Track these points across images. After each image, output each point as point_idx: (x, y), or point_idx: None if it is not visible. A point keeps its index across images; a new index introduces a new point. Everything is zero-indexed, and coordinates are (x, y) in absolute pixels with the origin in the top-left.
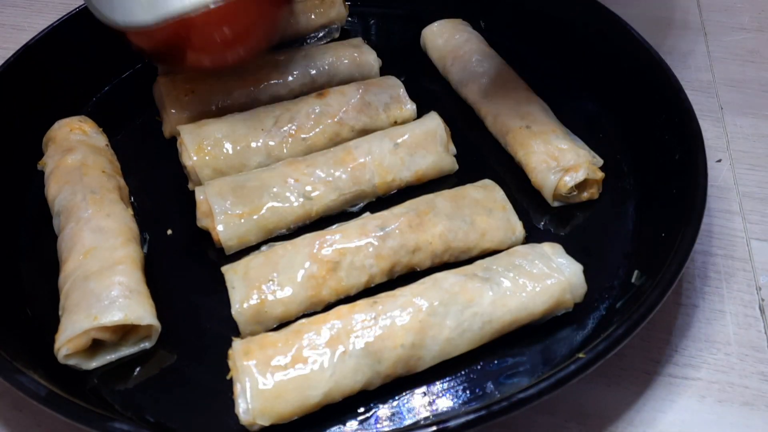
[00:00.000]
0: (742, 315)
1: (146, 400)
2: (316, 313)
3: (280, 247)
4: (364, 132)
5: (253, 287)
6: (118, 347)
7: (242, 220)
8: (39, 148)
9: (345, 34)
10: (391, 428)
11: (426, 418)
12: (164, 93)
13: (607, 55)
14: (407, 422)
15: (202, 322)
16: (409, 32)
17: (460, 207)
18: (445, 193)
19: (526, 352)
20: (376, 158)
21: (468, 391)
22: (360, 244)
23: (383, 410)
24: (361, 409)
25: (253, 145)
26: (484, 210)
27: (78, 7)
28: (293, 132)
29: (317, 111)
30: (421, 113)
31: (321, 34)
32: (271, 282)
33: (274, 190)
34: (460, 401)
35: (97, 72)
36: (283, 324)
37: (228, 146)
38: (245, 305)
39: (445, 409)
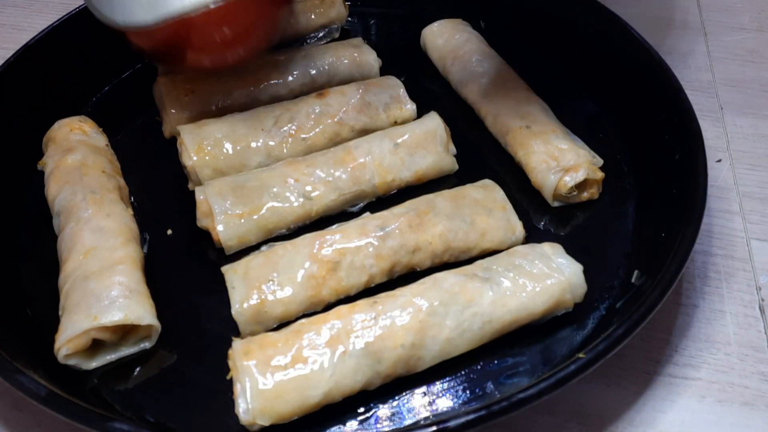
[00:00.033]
0: (742, 315)
1: (146, 400)
2: (316, 313)
3: (280, 247)
4: (364, 132)
5: (253, 287)
6: (118, 347)
7: (242, 220)
8: (39, 148)
9: (345, 34)
10: (391, 428)
11: (426, 418)
12: (164, 93)
13: (607, 55)
14: (407, 422)
15: (202, 322)
16: (409, 32)
17: (460, 207)
18: (445, 193)
19: (526, 352)
20: (376, 158)
21: (468, 391)
22: (360, 244)
23: (383, 410)
24: (361, 409)
25: (253, 145)
26: (484, 210)
27: (78, 7)
28: (293, 132)
29: (317, 111)
30: (421, 113)
31: (321, 34)
32: (271, 282)
33: (274, 190)
34: (460, 401)
35: (97, 72)
36: (283, 324)
37: (228, 146)
38: (245, 305)
39: (445, 409)
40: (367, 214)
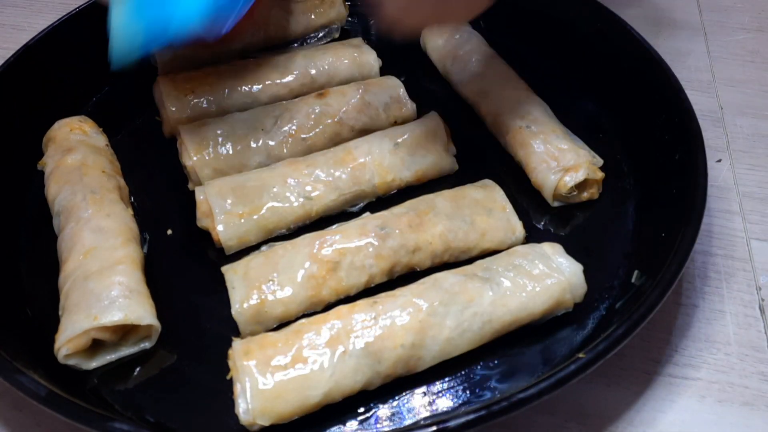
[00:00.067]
0: (742, 315)
1: (146, 400)
2: (316, 313)
3: (280, 247)
4: (364, 132)
5: (253, 287)
6: (118, 347)
7: (242, 220)
8: (39, 148)
9: (345, 34)
10: (391, 428)
11: (426, 418)
12: (164, 93)
13: (607, 55)
14: (407, 422)
15: (202, 322)
16: None
17: (460, 207)
18: (445, 193)
19: (526, 352)
20: (376, 158)
21: (468, 391)
22: (360, 244)
23: (383, 410)
24: (361, 409)
25: (253, 145)
26: (484, 210)
27: (78, 7)
28: (293, 132)
29: (317, 111)
30: (421, 113)
31: (321, 34)
32: (271, 282)
33: (274, 190)
34: (460, 401)
35: (97, 72)
36: (283, 324)
37: (228, 146)
38: (245, 305)
39: (445, 409)
40: (367, 214)
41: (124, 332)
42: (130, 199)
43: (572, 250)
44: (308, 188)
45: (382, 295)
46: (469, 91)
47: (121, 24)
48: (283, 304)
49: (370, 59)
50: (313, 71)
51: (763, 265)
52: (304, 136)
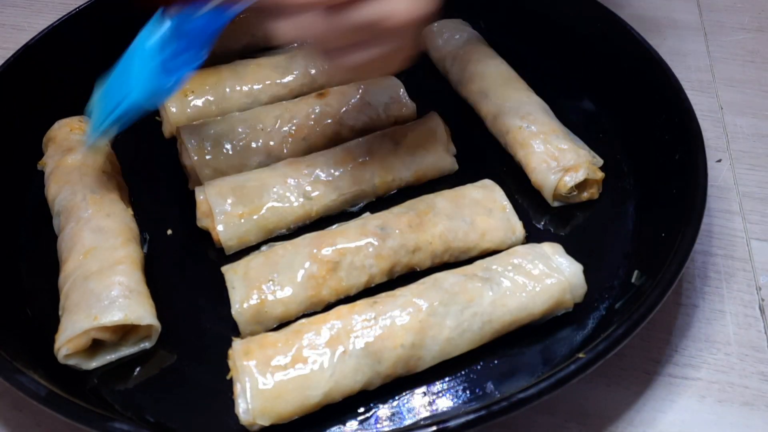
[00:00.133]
0: (742, 315)
1: (146, 400)
2: (316, 313)
3: (280, 247)
4: (364, 132)
5: (253, 287)
6: (118, 347)
7: (242, 220)
8: (39, 148)
9: None
10: (391, 428)
11: (426, 418)
12: None
13: (607, 55)
14: (407, 422)
15: (202, 322)
16: None
17: (460, 207)
18: (445, 193)
19: (526, 352)
20: (376, 158)
21: (468, 391)
22: (360, 244)
23: (383, 410)
24: (361, 409)
25: (253, 145)
26: (484, 210)
27: (78, 7)
28: (293, 132)
29: (317, 111)
30: (421, 113)
31: None
32: (271, 282)
33: (274, 190)
34: (460, 401)
35: (97, 72)
36: (283, 324)
37: (228, 146)
38: (245, 305)
39: (445, 409)
40: (367, 214)
41: (124, 332)
42: (130, 199)
43: (572, 250)
44: (308, 188)
45: (382, 295)
46: (469, 91)
47: (92, 110)
48: (283, 304)
49: None
50: (313, 71)
51: (763, 265)
52: (304, 136)
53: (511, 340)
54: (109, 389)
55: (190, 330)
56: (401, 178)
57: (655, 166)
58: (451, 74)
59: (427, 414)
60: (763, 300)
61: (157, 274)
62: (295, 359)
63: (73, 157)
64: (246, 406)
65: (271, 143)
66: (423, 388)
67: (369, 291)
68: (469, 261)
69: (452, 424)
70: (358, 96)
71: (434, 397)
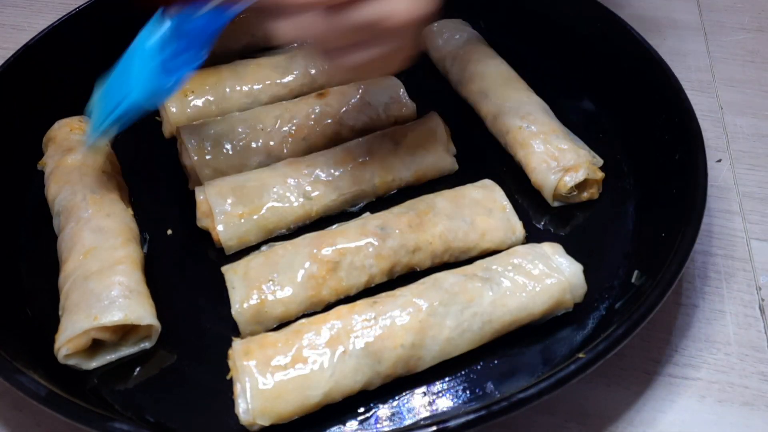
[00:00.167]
0: (742, 315)
1: (146, 400)
2: (316, 313)
3: (280, 247)
4: (364, 132)
5: (253, 287)
6: (118, 347)
7: (242, 220)
8: (39, 148)
9: None
10: (391, 428)
11: (426, 418)
12: None
13: (607, 55)
14: (407, 422)
15: (202, 322)
16: None
17: (460, 207)
18: (445, 193)
19: (526, 352)
20: (376, 158)
21: (468, 391)
22: (360, 244)
23: (383, 410)
24: (361, 409)
25: (253, 145)
26: (484, 210)
27: (78, 7)
28: (293, 132)
29: (317, 111)
30: (421, 113)
31: None
32: (271, 282)
33: (274, 190)
34: (460, 401)
35: (97, 72)
36: (283, 324)
37: (228, 146)
38: (245, 305)
39: (445, 409)
40: (367, 214)
41: (124, 332)
42: (130, 199)
43: (572, 250)
44: (308, 188)
45: (382, 295)
46: (469, 91)
47: (92, 110)
48: (283, 304)
49: None
50: (313, 71)
51: (763, 265)
52: (304, 136)
53: (511, 340)
54: (109, 389)
55: (190, 330)
56: (401, 178)
57: (655, 166)
58: (451, 74)
59: (427, 414)
60: (763, 300)
61: (157, 274)
62: (295, 359)
63: (73, 157)
64: (246, 406)
65: (271, 143)
66: (423, 388)
67: (369, 291)
68: (469, 261)
69: (452, 424)
70: (358, 96)
71: (434, 397)
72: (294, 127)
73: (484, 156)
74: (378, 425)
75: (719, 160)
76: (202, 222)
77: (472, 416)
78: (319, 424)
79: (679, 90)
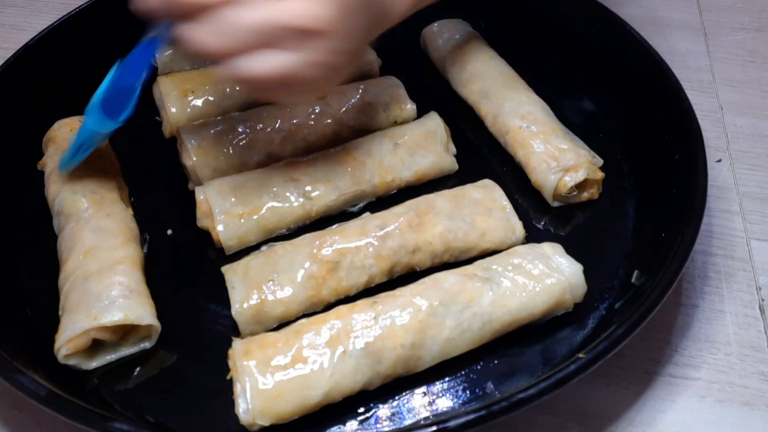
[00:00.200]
0: (742, 315)
1: (146, 400)
2: (316, 313)
3: (280, 247)
4: (364, 132)
5: (253, 287)
6: (118, 347)
7: (242, 220)
8: (39, 148)
9: None
10: (391, 428)
11: (426, 418)
12: (164, 93)
13: (607, 55)
14: (407, 422)
15: (202, 322)
16: (409, 32)
17: (460, 207)
18: (445, 193)
19: (526, 352)
20: (376, 158)
21: (468, 391)
22: (360, 244)
23: (383, 410)
24: (361, 409)
25: (253, 145)
26: (484, 210)
27: (78, 7)
28: (293, 132)
29: (317, 111)
30: (421, 113)
31: None
32: (271, 282)
33: (274, 190)
34: (460, 401)
35: (97, 72)
36: (283, 324)
37: (228, 146)
38: (245, 305)
39: (445, 409)
40: (367, 214)
41: (124, 332)
42: (130, 199)
43: (572, 250)
44: (308, 188)
45: (382, 295)
46: (469, 91)
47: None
48: (283, 304)
49: (370, 59)
50: None
51: (763, 265)
52: (303, 136)
53: (511, 340)
54: (109, 389)
55: (190, 330)
56: (401, 178)
57: (655, 166)
58: (451, 74)
59: (427, 414)
60: (763, 300)
61: (157, 274)
62: (295, 359)
63: None
64: (246, 406)
65: (271, 143)
66: (423, 388)
67: (369, 291)
68: (469, 261)
69: (452, 424)
70: (358, 96)
71: (434, 397)
72: (294, 127)
73: (484, 156)
74: (378, 425)
75: (719, 160)
76: (202, 222)
77: (472, 416)
78: (319, 424)
79: (679, 90)
